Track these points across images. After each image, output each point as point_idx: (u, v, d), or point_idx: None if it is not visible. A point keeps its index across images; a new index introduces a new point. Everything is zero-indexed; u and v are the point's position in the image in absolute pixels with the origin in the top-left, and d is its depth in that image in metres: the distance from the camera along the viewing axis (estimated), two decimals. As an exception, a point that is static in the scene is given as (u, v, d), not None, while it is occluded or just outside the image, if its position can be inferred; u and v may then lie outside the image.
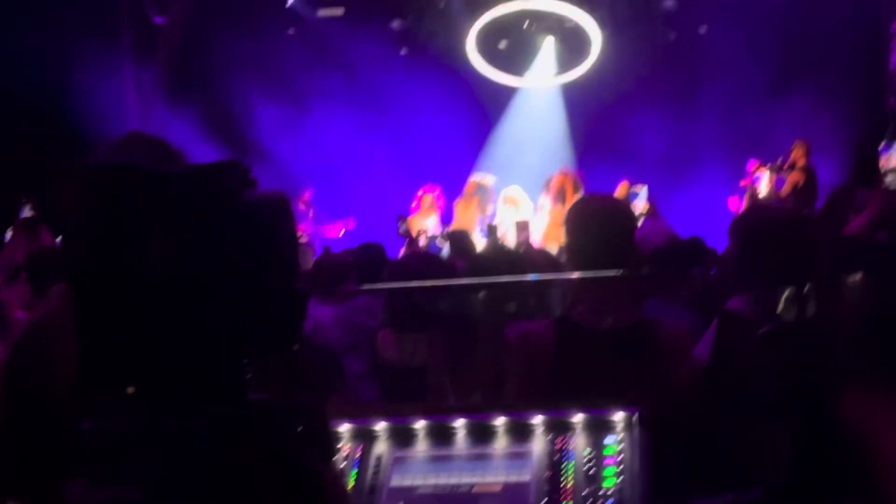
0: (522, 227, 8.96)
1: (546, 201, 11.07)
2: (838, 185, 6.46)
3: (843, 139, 11.67)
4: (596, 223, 3.50)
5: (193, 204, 1.44)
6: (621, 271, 3.42)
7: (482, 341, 4.66)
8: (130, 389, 1.46)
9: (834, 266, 4.03)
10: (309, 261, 7.05)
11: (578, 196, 9.17)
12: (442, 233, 10.02)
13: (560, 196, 10.63)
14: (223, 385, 1.52)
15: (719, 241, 6.32)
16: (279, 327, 1.55)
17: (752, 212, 3.94)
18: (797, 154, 11.72)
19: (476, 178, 11.75)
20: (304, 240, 12.20)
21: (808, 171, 11.69)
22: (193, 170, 1.51)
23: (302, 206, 12.92)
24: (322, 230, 12.79)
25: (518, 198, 11.08)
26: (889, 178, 4.68)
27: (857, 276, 3.27)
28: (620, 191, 10.65)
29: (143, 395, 1.48)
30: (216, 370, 1.51)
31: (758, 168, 11.90)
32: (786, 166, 11.71)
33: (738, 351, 3.10)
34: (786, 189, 11.68)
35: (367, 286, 5.66)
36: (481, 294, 4.80)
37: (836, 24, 12.27)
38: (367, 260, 6.12)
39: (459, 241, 7.98)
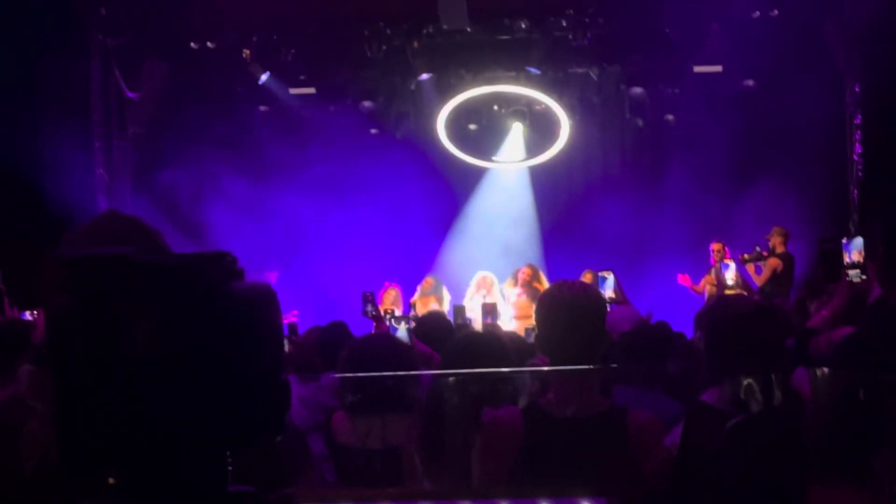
0: (489, 310, 9.00)
1: (512, 293, 11.31)
2: (806, 279, 6.53)
3: (807, 228, 11.85)
4: (567, 310, 3.51)
5: (181, 295, 1.44)
6: (593, 366, 3.42)
7: (448, 425, 4.62)
8: (111, 480, 1.44)
9: (801, 360, 4.06)
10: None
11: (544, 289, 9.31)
12: (407, 315, 9.99)
13: (526, 288, 10.86)
14: (206, 476, 1.50)
15: (684, 328, 6.35)
16: (263, 417, 1.54)
17: (720, 304, 3.96)
18: (776, 240, 11.92)
19: (430, 276, 12.00)
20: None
21: (787, 258, 11.87)
22: (182, 260, 1.51)
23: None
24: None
25: (490, 282, 11.32)
26: (851, 273, 4.73)
27: (824, 370, 3.31)
28: (586, 277, 10.76)
29: (125, 485, 1.46)
30: (199, 461, 1.49)
31: (721, 253, 12.04)
32: (765, 253, 11.90)
33: (707, 442, 3.11)
34: (765, 275, 11.86)
35: (329, 371, 5.63)
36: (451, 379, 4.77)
37: (801, 114, 12.49)
38: (333, 339, 6.10)
39: (427, 323, 7.93)
